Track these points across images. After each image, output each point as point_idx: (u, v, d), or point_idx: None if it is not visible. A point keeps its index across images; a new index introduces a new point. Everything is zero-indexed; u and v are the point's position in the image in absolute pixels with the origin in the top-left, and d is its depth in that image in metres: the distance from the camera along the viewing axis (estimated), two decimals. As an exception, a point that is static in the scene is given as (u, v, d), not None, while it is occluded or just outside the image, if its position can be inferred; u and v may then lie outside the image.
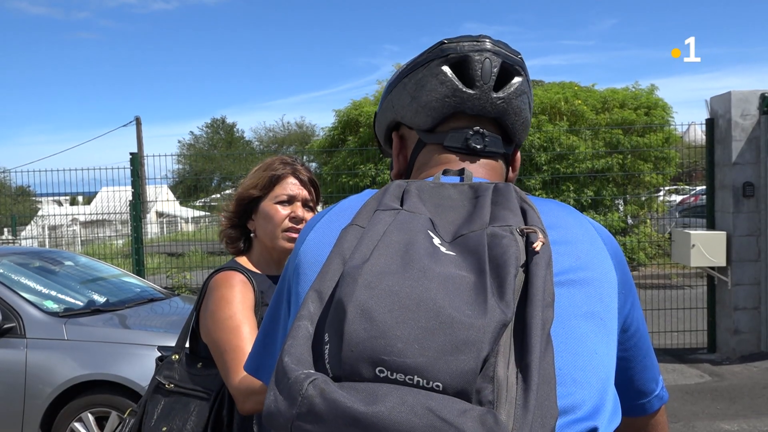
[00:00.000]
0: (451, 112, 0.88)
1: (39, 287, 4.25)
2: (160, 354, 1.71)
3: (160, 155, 7.40)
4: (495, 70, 0.87)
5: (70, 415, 3.65)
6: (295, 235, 1.65)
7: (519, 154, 0.97)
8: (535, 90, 10.66)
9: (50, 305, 4.05)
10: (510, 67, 0.89)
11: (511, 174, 0.96)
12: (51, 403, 3.64)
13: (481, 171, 0.89)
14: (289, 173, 1.68)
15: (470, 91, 0.87)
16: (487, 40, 0.88)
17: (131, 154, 6.82)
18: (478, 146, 0.88)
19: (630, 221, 9.27)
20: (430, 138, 0.91)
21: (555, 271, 0.69)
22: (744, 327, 5.97)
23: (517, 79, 0.89)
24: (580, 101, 9.59)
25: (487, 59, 0.87)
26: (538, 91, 10.42)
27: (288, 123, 37.03)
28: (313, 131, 33.45)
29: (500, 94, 0.88)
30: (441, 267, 0.61)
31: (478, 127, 0.89)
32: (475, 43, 0.88)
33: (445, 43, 0.89)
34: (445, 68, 0.88)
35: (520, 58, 0.91)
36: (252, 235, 1.71)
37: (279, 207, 1.65)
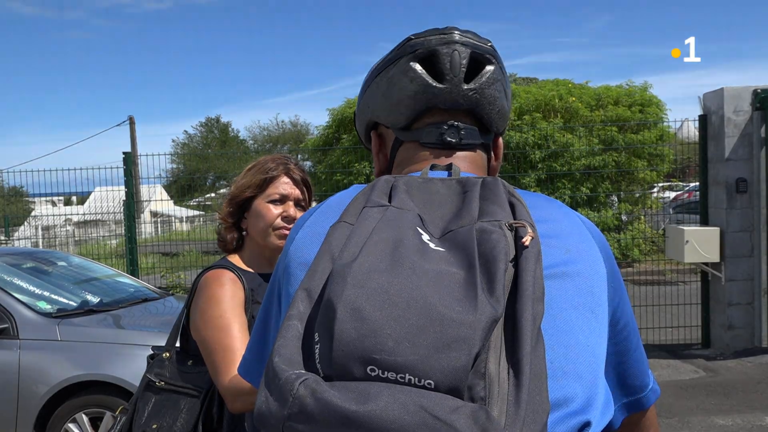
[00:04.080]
0: (424, 107, 0.88)
1: (32, 288, 4.23)
2: (150, 353, 1.71)
3: (153, 155, 7.39)
4: (464, 61, 0.86)
5: (64, 416, 3.63)
6: (286, 233, 1.65)
7: (501, 141, 0.96)
8: (529, 87, 10.67)
9: (43, 306, 4.02)
10: (480, 57, 0.88)
11: (494, 162, 0.95)
12: (45, 404, 3.62)
13: (462, 164, 0.88)
14: (282, 172, 1.68)
15: (441, 86, 0.86)
16: (455, 32, 0.87)
17: (124, 153, 6.79)
18: (453, 140, 0.88)
19: (624, 218, 9.30)
20: (407, 135, 0.91)
21: (545, 265, 0.69)
22: (738, 322, 5.99)
23: (488, 68, 0.88)
24: (574, 98, 9.61)
25: (456, 51, 0.86)
26: (532, 88, 10.43)
27: (282, 122, 37.00)
28: (308, 130, 33.44)
29: (472, 85, 0.87)
30: (430, 264, 0.61)
31: (452, 121, 0.88)
32: (442, 36, 0.87)
33: (412, 38, 0.89)
34: (414, 64, 0.87)
35: (491, 45, 0.90)
36: (244, 233, 1.72)
37: (271, 206, 1.66)
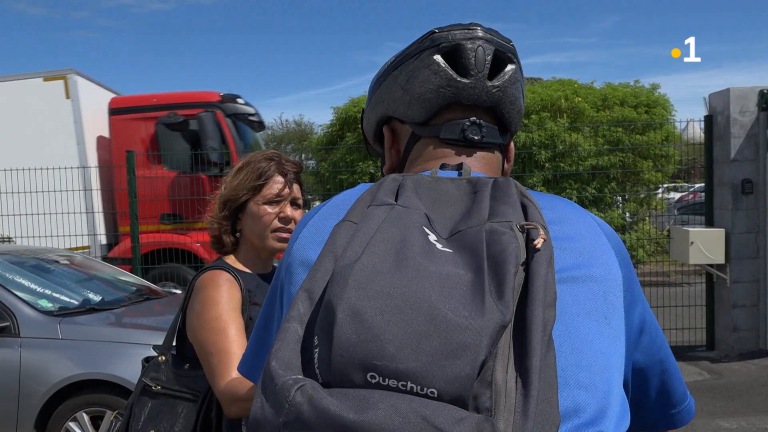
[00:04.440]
0: (446, 102, 0.85)
1: (34, 286, 4.21)
2: (147, 355, 1.69)
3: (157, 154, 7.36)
4: (488, 58, 0.84)
5: (64, 415, 3.62)
6: (284, 235, 1.62)
7: (513, 144, 0.95)
8: (534, 87, 10.63)
9: (45, 304, 4.01)
10: (503, 55, 0.86)
11: (506, 165, 0.93)
12: (45, 402, 3.60)
13: (478, 164, 0.86)
14: (275, 172, 1.64)
15: (465, 81, 0.84)
16: (479, 28, 0.85)
17: (127, 152, 6.78)
18: (476, 137, 0.85)
19: (629, 218, 9.27)
20: (425, 131, 0.88)
21: (557, 268, 0.66)
22: (743, 324, 5.95)
23: (510, 67, 0.87)
24: (580, 98, 9.58)
25: (480, 47, 0.84)
26: (538, 88, 10.38)
27: (287, 121, 36.96)
28: (312, 129, 33.42)
29: (495, 82, 0.85)
30: (436, 265, 0.58)
31: (474, 118, 0.86)
32: (466, 31, 0.85)
33: (435, 32, 0.86)
34: (438, 58, 0.85)
35: (512, 45, 0.89)
36: (238, 234, 1.68)
37: (267, 207, 1.62)
